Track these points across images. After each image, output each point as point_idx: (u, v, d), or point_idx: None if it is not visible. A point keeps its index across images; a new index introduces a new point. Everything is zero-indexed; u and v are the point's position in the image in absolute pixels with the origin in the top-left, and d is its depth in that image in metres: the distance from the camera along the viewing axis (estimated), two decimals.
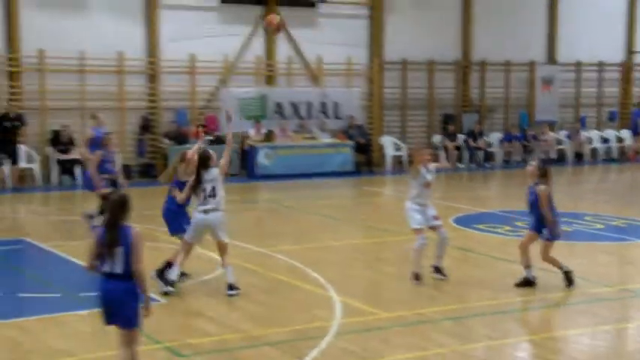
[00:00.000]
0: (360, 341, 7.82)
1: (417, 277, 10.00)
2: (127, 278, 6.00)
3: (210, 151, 9.72)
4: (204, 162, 9.45)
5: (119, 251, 5.98)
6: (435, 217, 10.14)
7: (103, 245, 6.03)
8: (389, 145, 23.62)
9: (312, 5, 22.86)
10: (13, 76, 19.52)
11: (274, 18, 11.63)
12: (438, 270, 10.24)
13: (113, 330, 8.10)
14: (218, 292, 9.62)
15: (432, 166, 10.15)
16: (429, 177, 10.05)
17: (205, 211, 9.42)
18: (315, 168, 21.33)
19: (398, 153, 23.61)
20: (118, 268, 5.99)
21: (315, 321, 8.46)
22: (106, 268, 6.04)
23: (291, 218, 15.41)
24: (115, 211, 6.05)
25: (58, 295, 9.39)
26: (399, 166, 23.49)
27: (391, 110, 24.42)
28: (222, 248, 9.58)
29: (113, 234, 5.99)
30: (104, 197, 12.57)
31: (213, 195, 9.44)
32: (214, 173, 9.49)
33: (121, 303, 6.03)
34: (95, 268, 6.13)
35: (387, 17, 23.94)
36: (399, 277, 10.55)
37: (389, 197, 19.67)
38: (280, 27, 10.69)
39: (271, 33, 10.92)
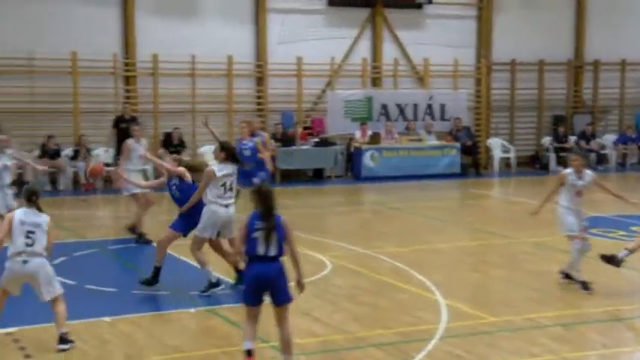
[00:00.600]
0: (466, 345, 7.71)
1: (567, 275, 9.76)
2: (279, 259, 6.61)
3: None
4: (234, 155, 9.58)
5: (274, 236, 6.54)
6: (585, 228, 9.84)
7: (256, 231, 6.53)
8: (496, 146, 23.21)
9: (419, 7, 22.71)
10: (128, 80, 20.25)
11: (98, 168, 11.11)
12: (568, 276, 9.94)
13: (219, 327, 8.31)
14: (324, 292, 9.69)
15: (588, 173, 9.75)
16: (580, 184, 9.69)
17: (226, 206, 9.48)
18: (421, 170, 21.17)
19: (506, 155, 23.18)
20: (273, 251, 6.56)
21: (421, 324, 8.40)
22: (261, 251, 6.56)
23: (396, 220, 15.36)
24: (270, 200, 6.61)
25: (168, 292, 9.65)
26: (507, 168, 23.05)
27: (499, 112, 23.99)
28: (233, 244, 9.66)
29: (270, 221, 6.56)
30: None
31: (231, 189, 9.55)
32: (233, 168, 9.60)
33: (278, 282, 6.60)
34: (243, 253, 6.71)
35: (496, 17, 23.52)
36: (506, 281, 10.36)
37: (496, 199, 19.32)
38: (98, 173, 10.01)
39: (93, 178, 10.02)
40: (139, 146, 13.15)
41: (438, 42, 22.60)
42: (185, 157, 13.85)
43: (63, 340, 7.51)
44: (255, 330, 6.76)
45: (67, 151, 19.24)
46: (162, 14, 20.27)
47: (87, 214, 15.19)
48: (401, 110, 22.35)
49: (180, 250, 12.00)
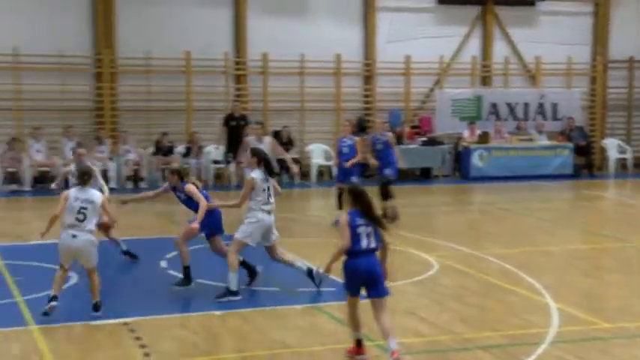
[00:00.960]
0: (578, 351, 7.49)
1: None
2: (376, 253, 6.98)
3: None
4: (265, 161, 9.36)
5: (375, 231, 6.96)
6: None
7: (359, 227, 6.88)
8: (612, 147, 22.45)
9: (532, 4, 22.22)
10: (239, 78, 20.66)
11: None
12: None
13: (325, 324, 8.37)
14: (431, 292, 9.62)
15: None
16: None
17: (269, 212, 9.32)
18: (531, 170, 20.71)
19: (622, 156, 22.38)
20: (373, 244, 6.95)
21: (530, 327, 8.21)
22: (364, 245, 6.91)
23: (505, 221, 15.08)
24: (366, 200, 6.98)
25: (277, 289, 9.79)
26: (623, 169, 22.26)
27: (615, 111, 23.20)
28: (276, 249, 9.59)
29: (373, 217, 6.95)
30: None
31: (270, 195, 9.36)
32: (265, 173, 9.39)
33: (378, 274, 6.94)
34: (344, 249, 6.93)
35: (613, 13, 22.75)
36: (621, 286, 10.00)
37: (611, 202, 18.68)
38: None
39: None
40: (258, 144, 13.41)
41: (551, 40, 22.07)
42: (175, 164, 14.06)
43: (97, 307, 8.23)
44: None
45: (180, 148, 19.78)
46: (272, 14, 20.58)
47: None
48: (511, 109, 21.94)
49: (288, 246, 12.15)
